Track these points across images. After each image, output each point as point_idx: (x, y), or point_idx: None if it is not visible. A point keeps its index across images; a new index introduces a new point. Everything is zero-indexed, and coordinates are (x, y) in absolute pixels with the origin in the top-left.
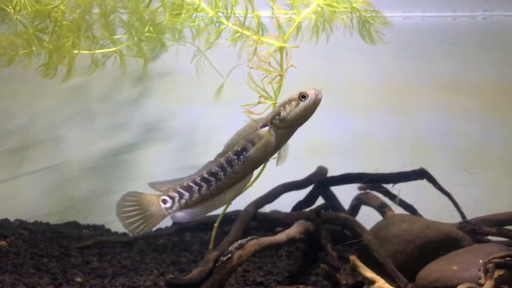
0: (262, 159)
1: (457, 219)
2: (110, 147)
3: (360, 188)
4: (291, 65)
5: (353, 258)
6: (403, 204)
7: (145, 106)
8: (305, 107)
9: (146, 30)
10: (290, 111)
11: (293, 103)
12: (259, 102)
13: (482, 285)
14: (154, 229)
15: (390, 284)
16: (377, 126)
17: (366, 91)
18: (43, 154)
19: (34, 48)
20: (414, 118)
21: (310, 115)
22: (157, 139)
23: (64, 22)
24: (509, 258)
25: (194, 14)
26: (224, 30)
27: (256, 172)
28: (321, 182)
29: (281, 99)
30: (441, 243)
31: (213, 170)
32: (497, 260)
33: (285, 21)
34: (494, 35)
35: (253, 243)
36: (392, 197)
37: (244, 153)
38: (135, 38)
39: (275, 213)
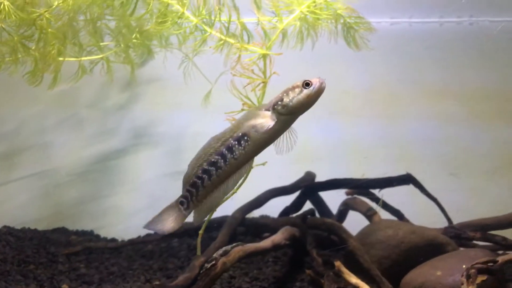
0: (263, 144)
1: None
2: (99, 152)
3: (347, 194)
4: (274, 72)
5: (338, 264)
6: (390, 209)
7: (133, 112)
8: (308, 95)
9: (133, 37)
10: (293, 98)
11: (297, 90)
12: (242, 110)
13: None
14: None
15: None
16: (364, 132)
17: (353, 97)
18: (31, 160)
19: (20, 56)
20: (401, 123)
21: (313, 103)
22: (146, 145)
23: (49, 29)
24: (491, 264)
25: (179, 22)
26: (212, 37)
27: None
28: (307, 187)
29: None
30: (426, 248)
31: (212, 160)
32: (479, 265)
33: (270, 28)
34: (480, 40)
35: (238, 249)
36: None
37: (246, 138)
38: (122, 45)
39: (262, 218)
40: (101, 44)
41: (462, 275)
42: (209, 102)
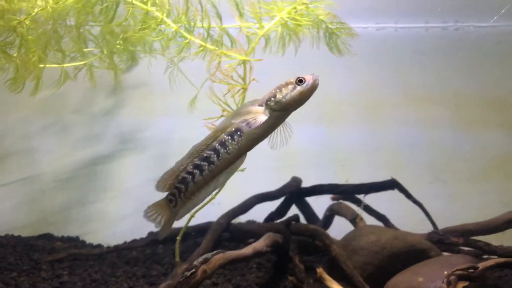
0: (255, 140)
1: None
2: (85, 158)
3: (333, 199)
4: (254, 79)
5: (319, 270)
6: (376, 214)
7: (119, 117)
8: (301, 92)
9: (117, 43)
10: (286, 94)
11: (290, 86)
12: (222, 116)
13: None
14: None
15: None
16: (349, 137)
17: (338, 103)
18: (17, 166)
19: (1, 63)
20: (385, 129)
21: (306, 100)
22: (132, 150)
23: (30, 37)
24: (472, 270)
25: (160, 28)
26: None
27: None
28: (292, 193)
29: None
30: (409, 254)
31: (205, 155)
32: (459, 272)
33: (252, 34)
34: (465, 45)
35: (218, 257)
36: (365, 207)
37: (239, 133)
38: (105, 52)
39: (247, 224)
40: (85, 50)
41: (443, 282)
42: (195, 107)
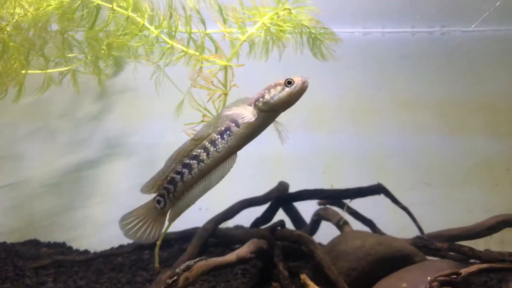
0: (244, 139)
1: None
2: (71, 163)
3: (319, 204)
4: (234, 85)
5: (303, 276)
6: (363, 219)
7: (106, 122)
8: (290, 93)
9: (101, 48)
10: (274, 95)
11: (279, 87)
12: (202, 121)
13: None
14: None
15: None
16: (335, 142)
17: (325, 107)
18: (2, 171)
19: None
20: (373, 134)
21: (294, 101)
22: (119, 155)
23: (11, 43)
24: (455, 276)
25: (144, 33)
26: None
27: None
28: (278, 198)
29: None
30: (393, 259)
31: (194, 153)
32: (442, 278)
33: (236, 39)
34: (452, 50)
35: (201, 264)
36: (352, 212)
37: (228, 132)
38: (89, 57)
39: (233, 230)
40: (69, 55)
41: (426, 287)
42: (181, 112)
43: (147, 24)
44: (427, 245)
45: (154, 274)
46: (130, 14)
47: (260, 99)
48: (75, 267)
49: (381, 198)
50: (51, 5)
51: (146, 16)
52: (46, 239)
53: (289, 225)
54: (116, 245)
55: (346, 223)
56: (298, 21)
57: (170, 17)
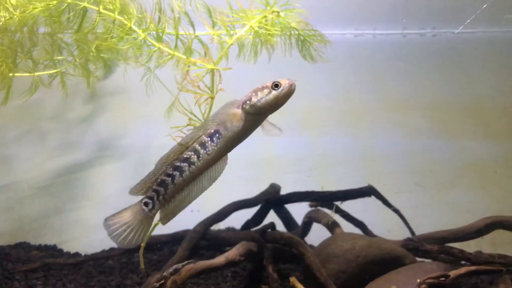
0: (233, 142)
1: None
2: (62, 165)
3: (311, 206)
4: (221, 89)
5: (292, 279)
6: (354, 221)
7: (98, 124)
8: (276, 96)
9: (90, 50)
10: (261, 98)
11: (265, 90)
12: (188, 124)
13: None
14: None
15: None
16: (326, 143)
17: (316, 109)
18: None
19: None
20: (364, 135)
21: (281, 104)
22: (110, 157)
23: None
24: (443, 278)
25: (131, 36)
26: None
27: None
28: (268, 201)
29: None
30: (383, 261)
31: (185, 156)
32: (430, 280)
33: (225, 42)
34: (443, 52)
35: (189, 267)
36: (345, 215)
37: (217, 135)
38: (77, 60)
39: (223, 232)
40: (58, 58)
41: None
42: (172, 114)
43: (134, 27)
44: (417, 247)
45: (144, 277)
46: (117, 17)
47: (248, 102)
48: (65, 270)
49: (371, 200)
50: (37, 7)
51: (133, 19)
52: (37, 241)
53: (281, 227)
54: (107, 247)
55: (337, 225)
56: (286, 23)
57: (159, 20)
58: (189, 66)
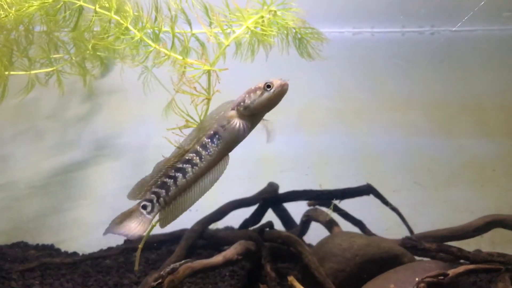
0: (231, 143)
1: None
2: (59, 164)
3: (309, 205)
4: (217, 91)
5: (290, 279)
6: (352, 220)
7: (95, 123)
8: (269, 97)
9: (87, 49)
10: (254, 100)
11: (258, 92)
12: (185, 126)
13: None
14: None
15: None
16: (325, 142)
17: (314, 107)
18: None
19: None
20: (363, 133)
21: (274, 105)
22: (108, 156)
23: None
24: (442, 277)
25: (126, 35)
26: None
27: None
28: (266, 199)
29: None
30: (381, 260)
31: (187, 158)
32: (429, 279)
33: (221, 42)
34: (441, 50)
35: (186, 267)
36: (343, 214)
37: (217, 136)
38: (74, 58)
39: (221, 231)
40: (54, 56)
41: None
42: (169, 113)
43: (130, 26)
44: (416, 245)
45: (141, 276)
46: (113, 16)
47: (241, 104)
48: (62, 270)
49: (370, 198)
50: (33, 5)
51: (129, 18)
52: (34, 241)
53: (279, 226)
54: (104, 247)
55: (335, 223)
56: (284, 23)
57: (155, 19)
58: (185, 67)
